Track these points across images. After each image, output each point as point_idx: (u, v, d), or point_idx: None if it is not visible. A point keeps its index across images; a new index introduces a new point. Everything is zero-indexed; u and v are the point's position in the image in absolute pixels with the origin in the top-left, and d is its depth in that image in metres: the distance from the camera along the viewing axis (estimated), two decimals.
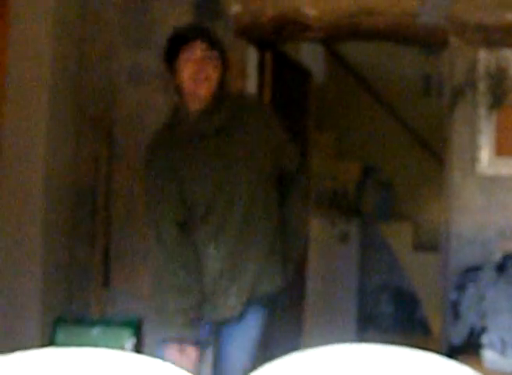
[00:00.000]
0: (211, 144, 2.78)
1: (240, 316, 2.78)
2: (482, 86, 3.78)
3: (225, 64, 2.82)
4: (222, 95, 2.80)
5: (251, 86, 4.15)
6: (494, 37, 3.79)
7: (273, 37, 4.12)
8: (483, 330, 3.24)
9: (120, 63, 4.12)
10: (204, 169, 2.77)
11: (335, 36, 4.13)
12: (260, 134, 2.82)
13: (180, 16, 4.07)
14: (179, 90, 2.83)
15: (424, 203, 6.25)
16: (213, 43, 2.77)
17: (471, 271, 3.51)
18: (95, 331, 3.88)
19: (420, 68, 5.31)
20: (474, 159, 3.81)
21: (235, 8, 4.02)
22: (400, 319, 5.70)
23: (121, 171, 4.12)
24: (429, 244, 5.39)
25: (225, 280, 2.77)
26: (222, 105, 2.79)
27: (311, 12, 3.95)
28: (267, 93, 4.32)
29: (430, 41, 4.00)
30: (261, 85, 4.23)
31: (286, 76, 4.74)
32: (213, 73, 2.75)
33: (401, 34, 3.97)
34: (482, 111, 3.79)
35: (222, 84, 2.80)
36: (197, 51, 2.73)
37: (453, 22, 3.84)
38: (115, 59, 4.13)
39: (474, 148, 3.81)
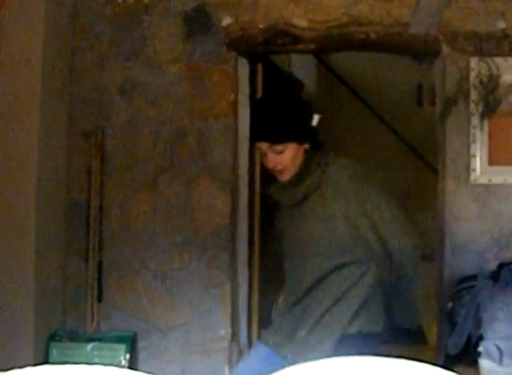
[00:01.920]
0: (293, 213, 2.96)
1: None
2: (475, 95, 3.79)
3: (302, 142, 2.88)
4: (305, 170, 2.88)
5: (243, 97, 4.15)
6: (486, 45, 3.80)
7: (264, 49, 4.12)
8: (480, 338, 3.23)
9: (112, 76, 4.11)
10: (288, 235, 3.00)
11: (326, 47, 4.12)
12: (337, 208, 2.86)
13: (171, 29, 4.08)
14: None
15: (418, 212, 6.24)
16: (279, 139, 2.84)
17: (466, 280, 3.50)
18: (89, 347, 3.86)
19: (412, 77, 5.29)
20: (467, 168, 3.81)
21: (225, 21, 4.03)
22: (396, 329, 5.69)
23: (114, 185, 4.11)
24: (424, 253, 5.38)
25: None
26: (304, 180, 2.88)
27: (301, 23, 3.96)
28: None
29: (422, 51, 4.00)
30: (252, 97, 4.21)
31: (277, 88, 4.69)
32: (289, 161, 2.85)
33: (393, 44, 3.97)
34: (475, 120, 3.79)
35: (306, 160, 2.89)
36: (266, 148, 2.86)
37: (444, 31, 3.86)
38: (106, 72, 4.12)
39: (467, 157, 3.81)
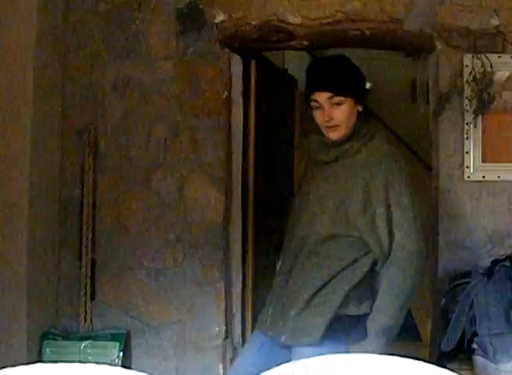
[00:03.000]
0: (321, 172, 2.93)
1: None
2: (468, 91, 3.78)
3: (358, 103, 2.90)
4: (352, 133, 2.87)
5: (236, 95, 4.16)
6: (479, 42, 3.80)
7: (257, 46, 4.12)
8: (473, 335, 3.24)
9: (105, 74, 4.11)
10: (305, 193, 2.97)
11: (320, 43, 4.10)
12: (362, 180, 2.82)
13: (164, 26, 4.08)
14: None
15: None
16: (340, 90, 2.84)
17: (460, 277, 3.51)
18: (83, 345, 3.87)
19: (406, 74, 5.30)
20: (461, 165, 3.81)
21: (218, 18, 4.03)
22: None
23: (107, 183, 4.11)
24: None
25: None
26: (347, 141, 2.88)
27: (295, 20, 3.96)
28: (252, 102, 4.33)
29: (416, 47, 3.99)
30: (246, 94, 4.23)
31: (271, 85, 4.75)
32: (345, 117, 2.86)
33: (387, 41, 3.97)
34: (469, 117, 3.79)
35: (356, 124, 2.89)
36: (324, 100, 2.84)
37: (438, 28, 3.86)
38: (99, 70, 4.12)
39: (461, 154, 3.82)
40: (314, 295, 2.77)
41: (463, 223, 3.82)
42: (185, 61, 4.05)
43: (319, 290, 2.78)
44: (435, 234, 3.88)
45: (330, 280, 2.78)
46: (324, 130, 2.91)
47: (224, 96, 4.04)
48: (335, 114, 2.85)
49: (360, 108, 2.91)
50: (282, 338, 2.81)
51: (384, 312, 2.72)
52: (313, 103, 2.90)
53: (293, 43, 4.04)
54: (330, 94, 2.83)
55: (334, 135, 2.88)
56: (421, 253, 2.76)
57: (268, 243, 4.47)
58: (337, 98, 2.84)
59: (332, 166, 2.90)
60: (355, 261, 2.79)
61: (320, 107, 2.87)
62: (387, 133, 2.93)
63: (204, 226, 4.01)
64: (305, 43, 4.04)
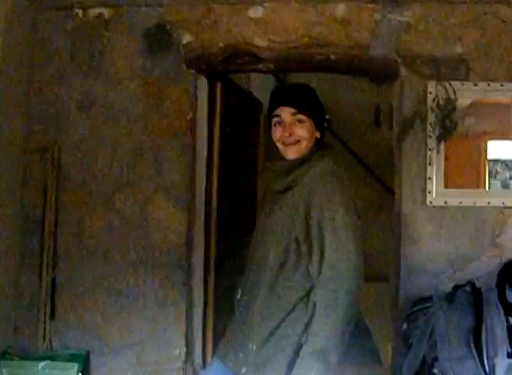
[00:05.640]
0: (274, 201, 2.92)
1: None
2: (432, 117, 3.81)
3: (317, 129, 2.92)
4: (302, 159, 2.87)
5: (202, 116, 4.15)
6: (443, 69, 3.83)
7: (224, 68, 4.12)
8: (434, 360, 3.23)
9: (70, 91, 4.10)
10: (261, 223, 2.96)
11: (286, 67, 4.12)
12: (300, 203, 2.78)
13: (131, 45, 4.08)
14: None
15: (374, 233, 6.25)
16: (303, 108, 2.87)
17: (422, 301, 3.50)
18: (41, 365, 3.80)
19: (370, 99, 5.34)
20: (423, 190, 3.82)
21: (186, 39, 4.03)
22: (351, 349, 5.65)
23: (70, 201, 4.07)
24: (380, 274, 5.39)
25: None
26: (298, 168, 2.86)
27: (261, 43, 3.97)
28: (217, 123, 4.32)
29: (381, 73, 4.01)
30: (211, 115, 4.23)
31: (236, 107, 4.75)
32: (306, 135, 2.87)
33: (352, 66, 3.97)
34: (432, 142, 3.81)
35: (313, 146, 2.90)
36: (287, 116, 2.87)
37: (403, 54, 3.89)
38: (64, 86, 4.10)
39: (423, 179, 3.83)
40: (274, 329, 2.74)
41: (425, 247, 3.82)
42: (151, 81, 4.05)
43: (279, 323, 2.74)
44: (397, 259, 3.88)
45: (289, 313, 2.73)
46: (282, 150, 2.91)
47: (189, 117, 4.03)
48: (296, 130, 2.86)
49: (318, 135, 2.92)
50: (243, 370, 2.77)
51: (316, 334, 2.62)
52: (275, 119, 2.91)
53: (259, 66, 4.05)
54: (294, 110, 2.85)
55: (292, 152, 2.87)
56: (352, 273, 2.64)
57: (230, 265, 4.45)
58: (300, 116, 2.86)
59: (283, 195, 2.87)
60: (310, 290, 2.74)
61: (281, 123, 2.88)
62: (338, 158, 2.88)
63: (167, 247, 3.99)
64: (271, 66, 4.05)
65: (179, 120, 4.02)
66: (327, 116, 3.01)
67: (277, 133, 2.90)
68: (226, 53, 4.01)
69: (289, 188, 2.85)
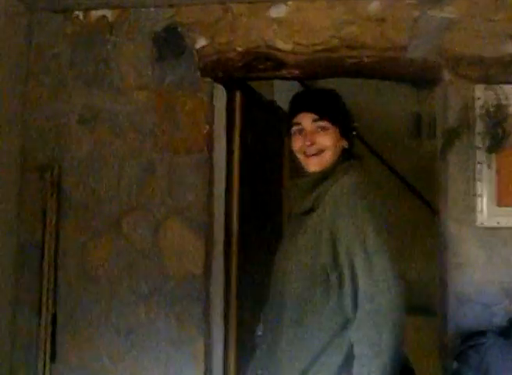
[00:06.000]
0: (298, 223, 2.90)
1: None
2: (480, 126, 3.78)
3: (344, 137, 2.92)
4: (327, 173, 2.85)
5: (219, 130, 4.16)
6: (492, 71, 3.81)
7: (243, 75, 4.12)
8: None
9: (71, 103, 4.13)
10: (283, 249, 2.96)
11: (313, 73, 4.09)
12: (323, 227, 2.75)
13: (139, 51, 4.10)
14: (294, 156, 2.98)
15: (416, 259, 6.22)
16: (326, 113, 2.87)
17: (473, 337, 3.46)
18: None
19: (410, 107, 5.32)
20: (472, 210, 3.79)
21: (200, 43, 4.05)
22: None
23: (72, 226, 4.09)
24: (423, 306, 5.37)
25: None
26: (320, 185, 2.84)
27: (285, 46, 3.98)
28: (236, 137, 4.33)
29: (421, 77, 4.00)
30: (229, 128, 4.24)
31: (258, 119, 4.76)
32: (330, 144, 2.87)
33: (388, 70, 3.97)
34: (481, 155, 3.78)
35: (340, 158, 2.90)
36: (307, 123, 2.88)
37: (446, 55, 3.87)
38: (65, 99, 4.14)
39: (472, 197, 3.80)
40: (303, 373, 2.70)
41: (475, 274, 3.78)
42: (162, 91, 4.07)
43: (308, 367, 2.69)
44: (443, 287, 3.85)
45: (320, 355, 2.69)
46: (303, 161, 2.91)
47: (205, 131, 4.04)
48: (318, 139, 2.86)
49: (345, 145, 2.92)
50: None
51: None
52: (294, 127, 2.91)
53: (282, 72, 4.05)
54: (315, 117, 2.86)
55: (315, 164, 2.87)
56: (395, 305, 2.58)
57: (253, 297, 4.42)
58: (322, 122, 2.86)
59: (307, 217, 2.83)
60: (343, 327, 2.69)
61: (301, 131, 2.89)
62: (367, 170, 2.90)
63: (182, 278, 3.98)
64: (296, 72, 4.05)
65: (193, 135, 4.03)
66: (355, 124, 3.01)
67: (297, 142, 2.90)
68: (246, 58, 4.02)
69: (312, 209, 2.82)
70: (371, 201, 2.73)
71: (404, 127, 5.94)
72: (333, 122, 2.87)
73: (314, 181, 2.85)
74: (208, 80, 4.07)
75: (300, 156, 2.91)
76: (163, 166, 4.04)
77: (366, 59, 3.93)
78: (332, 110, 2.89)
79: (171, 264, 4.00)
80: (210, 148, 4.07)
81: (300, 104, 2.94)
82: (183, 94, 4.04)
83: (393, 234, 2.71)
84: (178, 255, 4.00)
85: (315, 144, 2.85)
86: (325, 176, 2.84)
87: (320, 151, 2.86)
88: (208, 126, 4.05)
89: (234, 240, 4.30)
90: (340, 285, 2.67)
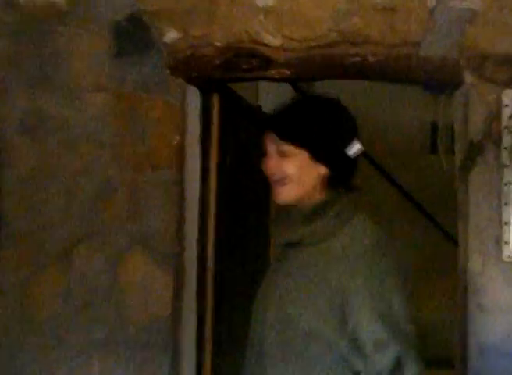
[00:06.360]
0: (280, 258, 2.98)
1: None
2: (508, 140, 3.77)
3: (319, 159, 2.86)
4: (323, 208, 2.85)
5: (193, 141, 4.14)
6: None
7: (222, 75, 4.10)
8: None
9: (10, 108, 4.11)
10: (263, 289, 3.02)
11: (307, 74, 4.10)
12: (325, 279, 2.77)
13: (95, 44, 4.08)
14: None
15: (431, 298, 6.27)
16: (285, 135, 2.84)
17: None
18: None
19: (424, 116, 5.35)
20: (498, 240, 3.78)
21: (170, 36, 4.03)
22: None
23: (11, 258, 4.07)
24: (441, 356, 5.42)
25: None
26: (317, 219, 2.83)
27: (273, 41, 3.97)
28: (214, 150, 4.32)
29: (437, 80, 3.99)
30: (205, 140, 4.23)
31: (240, 129, 4.79)
32: (292, 172, 2.84)
33: (398, 71, 3.96)
34: (508, 174, 3.77)
35: (331, 196, 2.88)
36: (270, 145, 2.88)
37: (468, 54, 3.86)
38: (3, 102, 4.11)
39: (498, 225, 3.78)
40: None
41: (501, 319, 3.76)
42: (122, 94, 4.05)
43: None
44: (463, 335, 3.83)
45: None
46: (272, 190, 2.93)
47: (175, 142, 4.01)
48: (278, 165, 2.85)
49: (323, 172, 2.87)
50: None
51: None
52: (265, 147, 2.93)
53: (270, 72, 4.02)
54: (275, 137, 2.85)
55: (279, 195, 2.87)
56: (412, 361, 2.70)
57: (232, 344, 4.43)
58: (283, 145, 2.83)
59: (292, 253, 2.88)
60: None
61: (267, 151, 2.90)
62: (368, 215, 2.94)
63: (146, 321, 3.97)
64: (287, 72, 4.01)
65: (161, 148, 4.01)
66: (353, 145, 2.90)
67: (264, 166, 2.92)
68: (226, 55, 4.00)
69: (299, 243, 2.87)
70: (389, 261, 2.81)
71: (417, 141, 5.99)
72: (301, 144, 2.82)
73: (304, 215, 2.86)
74: (180, 80, 4.05)
75: (271, 183, 2.92)
76: (124, 186, 4.02)
77: (371, 58, 3.91)
78: (297, 130, 2.85)
79: (132, 305, 3.97)
80: (181, 164, 4.05)
81: (267, 119, 3.00)
82: (149, 97, 4.03)
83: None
84: (141, 294, 3.97)
85: (275, 172, 2.86)
86: (317, 211, 2.85)
87: (283, 180, 2.85)
88: (178, 137, 4.02)
89: (209, 276, 4.30)
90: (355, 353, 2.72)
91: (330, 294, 2.71)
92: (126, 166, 4.02)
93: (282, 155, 2.82)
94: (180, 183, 4.05)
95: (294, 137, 2.82)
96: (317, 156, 2.84)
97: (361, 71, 3.97)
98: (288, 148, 2.81)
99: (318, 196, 2.86)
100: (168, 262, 3.97)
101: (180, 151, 4.04)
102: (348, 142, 2.87)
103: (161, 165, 4.01)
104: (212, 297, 4.32)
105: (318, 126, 2.86)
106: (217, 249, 4.36)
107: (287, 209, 2.92)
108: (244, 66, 4.01)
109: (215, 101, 4.31)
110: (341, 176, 2.91)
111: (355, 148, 2.89)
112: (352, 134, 2.90)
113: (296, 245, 2.85)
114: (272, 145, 2.84)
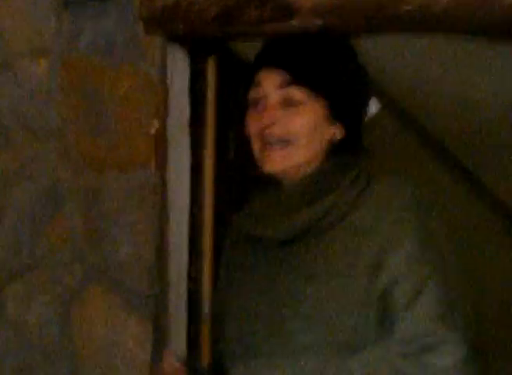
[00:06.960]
0: (276, 257, 2.94)
1: None
2: None
3: (337, 120, 2.92)
4: (327, 180, 2.90)
5: (177, 130, 3.98)
6: None
7: (219, 32, 3.93)
8: None
9: None
10: (253, 291, 2.97)
11: (345, 25, 3.84)
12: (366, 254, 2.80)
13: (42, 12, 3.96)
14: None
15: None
16: (303, 73, 2.88)
17: None
18: None
19: (509, 85, 5.19)
20: None
21: None
22: None
23: None
24: None
25: None
26: (320, 197, 2.86)
27: None
28: (210, 142, 4.16)
29: None
30: (196, 127, 4.06)
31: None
32: (304, 129, 2.87)
33: (473, 22, 3.73)
34: None
35: (334, 163, 2.94)
36: (271, 89, 2.91)
37: None
38: None
39: None
40: None
41: None
42: (74, 60, 3.94)
43: None
44: None
45: None
46: (258, 155, 2.98)
47: (153, 130, 3.85)
48: (282, 118, 2.87)
49: (337, 133, 2.94)
50: None
51: None
52: (252, 94, 2.97)
53: (292, 23, 3.78)
54: (285, 77, 2.86)
55: (276, 162, 2.92)
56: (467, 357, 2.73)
57: None
58: (294, 90, 2.86)
59: (291, 249, 2.89)
60: None
61: (259, 101, 2.93)
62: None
63: None
64: (317, 23, 3.76)
65: (132, 138, 3.87)
66: (371, 103, 3.03)
67: (252, 121, 2.96)
68: (226, 1, 3.81)
69: (312, 233, 2.87)
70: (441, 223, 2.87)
71: (507, 124, 5.83)
72: (315, 88, 2.86)
73: (302, 192, 2.90)
74: (158, 40, 3.88)
75: (256, 145, 2.96)
76: (77, 194, 3.90)
77: (431, 4, 3.68)
78: (316, 67, 2.91)
79: (92, 369, 3.83)
80: (161, 162, 3.89)
81: (264, 54, 3.02)
82: (113, 65, 3.89)
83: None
84: (104, 353, 3.83)
85: (274, 124, 2.88)
86: (318, 186, 2.91)
87: (285, 142, 2.89)
88: (157, 123, 3.86)
89: (203, 325, 4.15)
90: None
91: (367, 280, 2.75)
92: (80, 165, 3.91)
93: (290, 104, 2.85)
94: (161, 188, 3.90)
95: (314, 80, 2.86)
96: (337, 110, 2.90)
97: (422, 22, 3.75)
98: (301, 95, 2.85)
99: (317, 165, 2.91)
100: (143, 307, 3.81)
101: (160, 143, 3.90)
102: (369, 99, 3.02)
103: (133, 163, 3.86)
104: (209, 354, 4.17)
105: (344, 71, 2.96)
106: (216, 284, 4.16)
107: (263, 192, 3.02)
108: (253, 17, 3.81)
109: (210, 67, 4.17)
110: (352, 142, 2.97)
111: (374, 107, 3.03)
112: (371, 90, 3.04)
113: (301, 237, 2.86)
114: (276, 91, 2.86)
